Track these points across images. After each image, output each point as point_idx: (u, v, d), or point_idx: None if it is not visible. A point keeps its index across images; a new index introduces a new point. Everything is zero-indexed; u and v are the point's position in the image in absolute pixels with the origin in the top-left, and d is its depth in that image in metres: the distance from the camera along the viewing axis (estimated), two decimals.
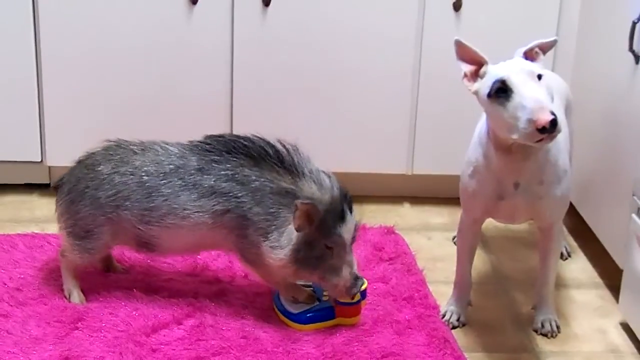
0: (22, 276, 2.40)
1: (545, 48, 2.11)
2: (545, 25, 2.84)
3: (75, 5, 2.79)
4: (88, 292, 2.33)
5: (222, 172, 2.18)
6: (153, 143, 2.27)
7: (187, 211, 2.18)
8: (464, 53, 2.07)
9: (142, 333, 2.16)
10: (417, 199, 3.07)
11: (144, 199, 2.20)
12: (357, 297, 2.24)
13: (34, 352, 2.09)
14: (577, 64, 2.84)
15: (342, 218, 2.12)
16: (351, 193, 2.18)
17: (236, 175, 2.17)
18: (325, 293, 2.26)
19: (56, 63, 2.83)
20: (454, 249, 2.43)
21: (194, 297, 2.32)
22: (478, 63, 2.06)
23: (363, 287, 2.27)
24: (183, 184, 2.19)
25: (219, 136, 2.25)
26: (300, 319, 2.24)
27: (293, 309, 2.25)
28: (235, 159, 2.19)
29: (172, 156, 2.23)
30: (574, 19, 2.85)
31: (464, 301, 2.36)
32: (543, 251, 2.29)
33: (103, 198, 2.21)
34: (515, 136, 1.96)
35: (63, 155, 2.49)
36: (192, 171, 2.19)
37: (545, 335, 2.31)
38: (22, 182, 3.02)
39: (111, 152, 2.26)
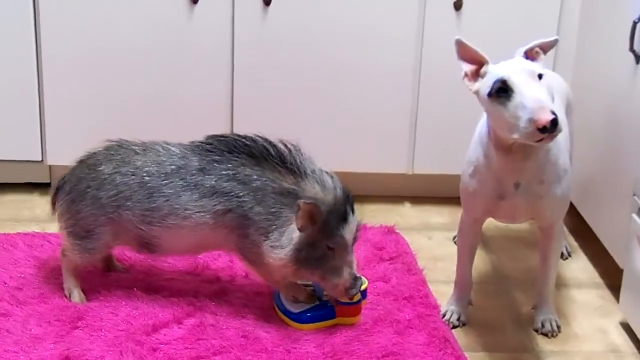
0: (22, 275, 2.40)
1: (545, 48, 2.11)
2: (545, 24, 2.84)
3: (75, 4, 2.79)
4: (88, 291, 2.34)
5: (224, 172, 2.18)
6: (154, 143, 2.27)
7: (189, 211, 2.18)
8: (465, 52, 2.07)
9: (143, 332, 2.16)
10: (418, 199, 3.07)
11: (145, 199, 2.20)
12: (358, 296, 2.24)
13: (35, 351, 2.09)
14: (578, 63, 2.84)
15: (344, 219, 2.12)
16: (352, 193, 2.18)
17: (237, 175, 2.17)
18: (325, 293, 2.26)
19: (57, 62, 2.83)
20: (454, 248, 2.43)
21: (195, 297, 2.32)
22: (479, 63, 2.06)
23: (363, 287, 2.27)
24: (184, 184, 2.19)
25: (221, 136, 2.25)
26: (300, 318, 2.24)
27: (293, 309, 2.25)
28: (236, 158, 2.19)
29: (174, 156, 2.23)
30: (575, 19, 2.85)
31: (465, 301, 2.36)
32: (543, 251, 2.29)
33: (104, 198, 2.21)
34: (515, 136, 1.96)
35: (63, 155, 2.49)
36: (194, 171, 2.19)
37: (545, 335, 2.31)
38: (23, 181, 3.03)
39: (112, 152, 2.26)
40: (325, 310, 2.25)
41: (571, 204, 2.46)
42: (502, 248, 2.78)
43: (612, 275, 2.53)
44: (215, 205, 2.17)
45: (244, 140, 2.21)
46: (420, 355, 2.14)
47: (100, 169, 2.24)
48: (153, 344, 2.13)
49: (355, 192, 2.21)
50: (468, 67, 2.08)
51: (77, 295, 2.31)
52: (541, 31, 2.43)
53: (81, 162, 2.29)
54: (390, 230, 2.76)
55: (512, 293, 2.52)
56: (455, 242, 2.58)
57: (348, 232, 2.13)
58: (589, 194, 2.70)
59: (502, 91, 1.97)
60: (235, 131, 2.74)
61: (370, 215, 2.85)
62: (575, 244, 2.81)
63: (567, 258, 2.71)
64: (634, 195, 2.26)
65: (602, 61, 2.64)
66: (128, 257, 2.50)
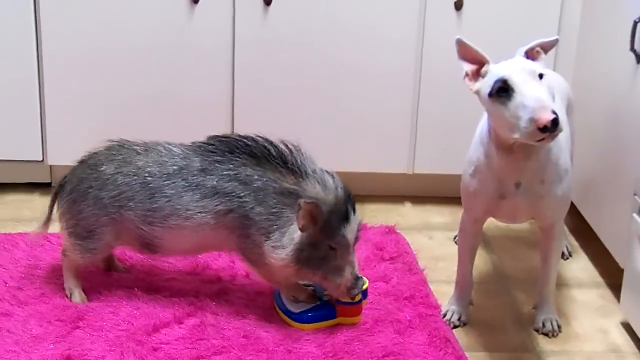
0: (23, 275, 2.40)
1: (546, 47, 2.11)
2: (546, 24, 2.84)
3: (76, 4, 2.79)
4: (89, 291, 2.34)
5: (225, 172, 2.18)
6: (156, 144, 2.27)
7: (190, 212, 2.18)
8: (465, 52, 2.07)
9: (143, 332, 2.16)
10: (418, 199, 3.07)
11: (147, 199, 2.20)
12: (359, 296, 2.24)
13: (35, 351, 2.09)
14: (579, 63, 2.84)
15: (346, 218, 2.12)
16: (353, 192, 2.18)
17: (238, 175, 2.17)
18: (326, 292, 2.26)
19: (57, 62, 2.84)
20: (455, 248, 2.43)
21: (195, 297, 2.32)
22: (479, 62, 2.06)
23: (364, 287, 2.27)
24: (186, 184, 2.19)
25: (222, 136, 2.25)
26: (301, 318, 2.24)
27: (294, 308, 2.25)
28: (237, 158, 2.19)
29: (175, 157, 2.23)
30: (576, 18, 2.85)
31: (465, 300, 2.36)
32: (544, 251, 2.29)
33: (106, 198, 2.21)
34: (516, 135, 1.96)
35: (64, 155, 2.49)
36: (195, 172, 2.19)
37: (546, 334, 2.31)
38: (23, 181, 3.03)
39: (114, 152, 2.26)
40: (326, 310, 2.25)
41: (572, 203, 2.46)
42: (503, 248, 2.78)
43: (612, 275, 2.53)
44: (216, 205, 2.17)
45: (245, 140, 2.21)
46: (421, 355, 2.14)
47: (102, 169, 2.23)
48: (154, 343, 2.13)
49: (356, 192, 2.21)
50: (469, 67, 2.08)
51: (77, 295, 2.31)
52: (542, 31, 2.43)
53: (82, 162, 2.29)
54: (390, 230, 2.76)
55: (512, 293, 2.52)
56: (455, 242, 2.58)
57: (349, 231, 2.13)
58: (590, 193, 2.70)
59: (502, 91, 1.97)
60: (236, 131, 2.74)
61: (370, 215, 2.85)
62: (576, 243, 2.81)
63: (567, 258, 2.71)
64: (634, 194, 2.26)
65: (602, 61, 2.64)
66: (129, 257, 2.50)
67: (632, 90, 2.37)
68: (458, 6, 2.82)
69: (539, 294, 2.34)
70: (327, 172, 2.18)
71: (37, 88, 2.86)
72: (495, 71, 2.01)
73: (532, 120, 1.90)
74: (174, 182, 2.19)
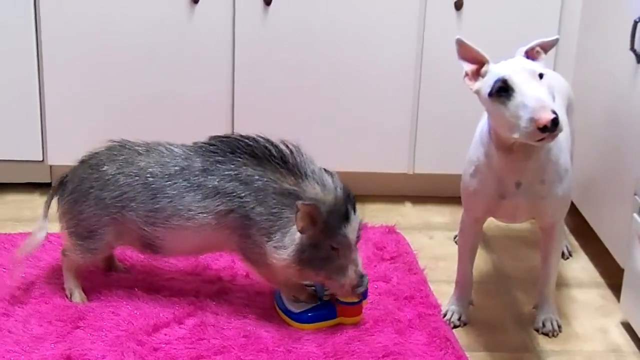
0: (23, 275, 2.40)
1: (546, 47, 2.11)
2: (546, 24, 2.84)
3: (76, 4, 2.79)
4: (89, 291, 2.34)
5: (226, 173, 2.18)
6: (157, 144, 2.27)
7: (192, 212, 2.18)
8: (465, 52, 2.07)
9: (144, 332, 2.16)
10: (419, 198, 3.07)
11: (149, 200, 2.20)
12: (359, 296, 2.24)
13: (35, 351, 2.09)
14: (579, 63, 2.84)
15: (346, 218, 2.12)
16: (353, 192, 2.18)
17: (239, 175, 2.17)
18: (326, 292, 2.26)
19: (57, 62, 2.84)
20: (455, 248, 2.43)
21: (195, 296, 2.32)
22: (479, 62, 2.06)
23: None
24: (188, 185, 2.19)
25: (223, 137, 2.25)
26: (301, 318, 2.24)
27: (294, 308, 2.25)
28: (238, 158, 2.19)
29: (177, 157, 2.23)
30: (576, 18, 2.85)
31: (466, 300, 2.36)
32: (544, 250, 2.29)
33: (108, 199, 2.21)
34: (516, 135, 1.96)
35: (64, 155, 2.50)
36: (197, 172, 2.19)
37: (546, 334, 2.31)
38: (24, 181, 3.03)
39: (115, 153, 2.26)
40: (327, 310, 2.25)
41: (572, 203, 2.46)
42: (503, 248, 2.78)
43: (613, 275, 2.53)
44: (217, 205, 2.17)
45: (246, 140, 2.21)
46: (421, 354, 2.14)
47: (104, 169, 2.23)
48: (154, 343, 2.13)
49: (356, 191, 2.21)
50: (469, 67, 2.08)
51: (78, 295, 2.31)
52: (542, 30, 2.42)
53: (83, 162, 2.29)
54: (391, 230, 2.76)
55: (513, 292, 2.52)
56: (456, 242, 2.58)
57: (350, 231, 2.13)
58: (590, 193, 2.70)
59: (502, 91, 1.97)
60: (236, 131, 2.74)
61: (371, 215, 2.85)
62: (576, 243, 2.81)
63: (568, 258, 2.71)
64: (634, 194, 2.26)
65: (603, 60, 2.64)
66: (129, 257, 2.50)
67: (632, 90, 2.37)
68: (458, 6, 2.82)
69: (539, 294, 2.34)
70: (326, 172, 2.18)
71: (37, 88, 2.86)
72: (495, 71, 2.01)
73: (532, 120, 1.90)
74: (175, 183, 2.19)
